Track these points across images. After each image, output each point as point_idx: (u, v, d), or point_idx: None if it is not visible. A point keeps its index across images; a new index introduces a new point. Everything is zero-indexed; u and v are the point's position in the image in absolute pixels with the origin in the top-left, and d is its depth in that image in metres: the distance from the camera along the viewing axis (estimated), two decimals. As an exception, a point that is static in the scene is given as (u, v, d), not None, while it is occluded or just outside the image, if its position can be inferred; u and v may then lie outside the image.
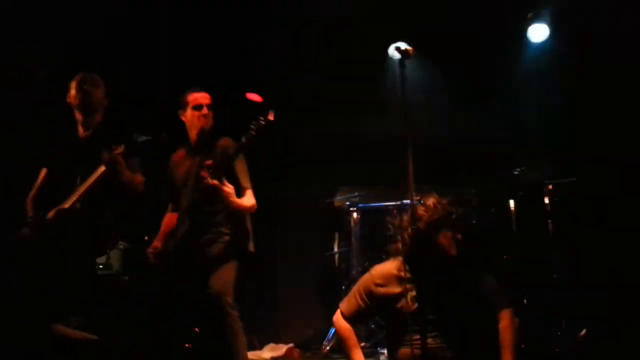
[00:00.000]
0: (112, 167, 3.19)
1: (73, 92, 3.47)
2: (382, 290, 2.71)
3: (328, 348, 4.81)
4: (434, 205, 2.71)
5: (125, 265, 4.35)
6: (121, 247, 4.24)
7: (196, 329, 4.44)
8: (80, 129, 3.51)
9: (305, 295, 5.77)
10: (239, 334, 3.22)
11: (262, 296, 5.47)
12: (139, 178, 3.45)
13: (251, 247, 3.47)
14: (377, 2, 5.53)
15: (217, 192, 3.12)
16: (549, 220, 4.47)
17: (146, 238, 4.16)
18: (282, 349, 4.96)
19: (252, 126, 3.14)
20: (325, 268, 5.66)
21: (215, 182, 3.09)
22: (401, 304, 2.64)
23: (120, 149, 3.21)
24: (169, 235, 3.59)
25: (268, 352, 4.94)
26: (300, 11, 5.64)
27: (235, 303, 3.25)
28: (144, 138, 3.38)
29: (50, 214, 3.26)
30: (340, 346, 2.87)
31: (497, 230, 4.60)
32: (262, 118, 3.13)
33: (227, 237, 3.36)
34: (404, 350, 2.65)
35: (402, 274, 2.65)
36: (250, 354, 3.92)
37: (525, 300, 4.25)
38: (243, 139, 3.16)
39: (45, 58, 4.50)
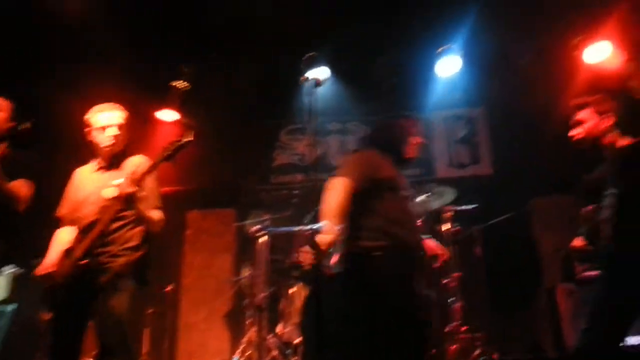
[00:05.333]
0: None
1: None
2: None
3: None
4: None
5: (13, 292, 4.07)
6: (7, 272, 3.97)
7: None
8: None
9: (208, 322, 5.69)
10: None
11: (164, 322, 5.31)
12: (17, 190, 3.21)
13: (147, 274, 3.35)
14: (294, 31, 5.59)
15: (133, 197, 3.03)
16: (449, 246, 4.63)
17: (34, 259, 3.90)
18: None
19: (169, 145, 3.08)
20: (232, 293, 5.59)
21: (135, 189, 3.01)
22: None
23: None
24: (64, 254, 3.38)
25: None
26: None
27: (128, 331, 3.11)
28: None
29: None
30: None
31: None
32: (179, 138, 3.07)
33: (125, 258, 3.23)
34: None
35: None
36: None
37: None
38: (158, 158, 3.08)
39: None
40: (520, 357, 4.45)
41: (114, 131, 3.25)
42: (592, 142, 2.92)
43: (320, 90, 5.42)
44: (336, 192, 2.91)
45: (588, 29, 5.40)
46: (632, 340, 3.44)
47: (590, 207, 2.93)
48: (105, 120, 3.26)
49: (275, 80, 6.15)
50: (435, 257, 3.44)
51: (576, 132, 2.94)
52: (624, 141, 2.87)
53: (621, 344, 2.72)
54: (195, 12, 5.34)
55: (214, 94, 6.15)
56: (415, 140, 3.32)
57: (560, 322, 4.31)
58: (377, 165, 3.15)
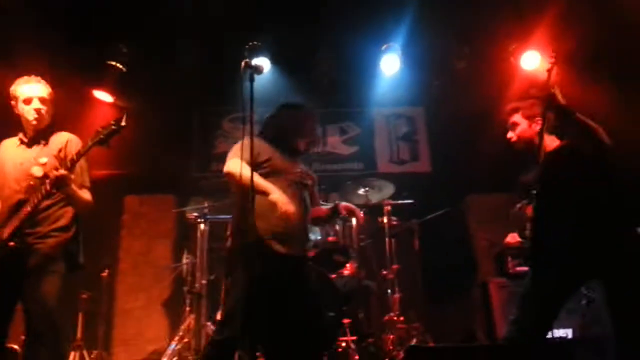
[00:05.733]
0: None
1: None
2: None
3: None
4: None
5: None
6: None
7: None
8: None
9: (146, 309, 5.59)
10: (61, 355, 3.00)
11: (99, 308, 5.15)
12: None
13: (80, 257, 3.24)
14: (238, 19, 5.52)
15: (64, 180, 2.93)
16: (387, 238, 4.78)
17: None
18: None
19: (102, 129, 2.98)
20: (171, 280, 5.50)
21: (64, 172, 2.90)
22: None
23: None
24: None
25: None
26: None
27: (61, 319, 2.99)
28: None
29: None
30: None
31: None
32: (113, 122, 2.98)
33: (54, 239, 3.09)
34: None
35: None
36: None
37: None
38: (90, 142, 2.98)
39: None
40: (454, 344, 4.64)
41: (39, 104, 3.16)
42: (524, 145, 3.09)
43: (263, 81, 5.40)
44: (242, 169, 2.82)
45: (523, 36, 5.68)
46: (558, 332, 3.67)
47: (518, 206, 3.10)
48: (30, 92, 3.17)
49: (219, 66, 6.07)
50: (352, 213, 3.36)
51: (510, 135, 3.12)
52: (551, 145, 3.07)
53: (547, 335, 2.93)
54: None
55: (155, 77, 6.00)
56: (308, 134, 3.27)
57: (493, 313, 4.55)
58: (258, 150, 3.03)
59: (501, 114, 3.20)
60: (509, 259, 4.61)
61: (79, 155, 2.99)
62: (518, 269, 4.48)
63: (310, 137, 3.31)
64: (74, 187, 3.03)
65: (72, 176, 3.00)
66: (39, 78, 3.23)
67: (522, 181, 3.21)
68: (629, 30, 5.22)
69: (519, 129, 3.09)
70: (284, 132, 3.22)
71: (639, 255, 2.82)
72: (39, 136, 3.20)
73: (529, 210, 2.92)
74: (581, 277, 2.97)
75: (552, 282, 2.85)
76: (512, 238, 3.41)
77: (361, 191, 5.10)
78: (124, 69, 5.71)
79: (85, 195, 3.16)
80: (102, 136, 2.95)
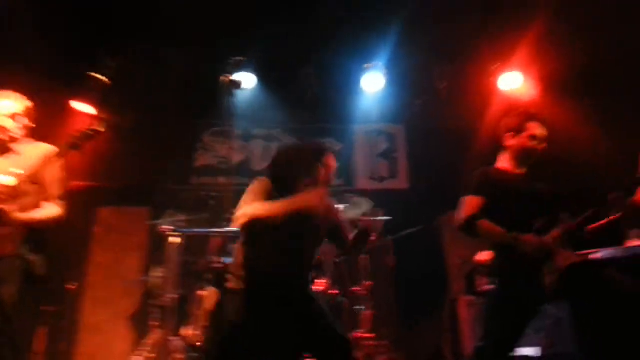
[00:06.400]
0: None
1: None
2: None
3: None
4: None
5: None
6: None
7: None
8: None
9: (113, 323, 5.48)
10: None
11: (62, 322, 5.04)
12: None
13: (43, 269, 3.18)
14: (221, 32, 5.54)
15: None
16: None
17: None
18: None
19: (76, 133, 2.96)
20: (141, 294, 5.40)
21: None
22: None
23: None
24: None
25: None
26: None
27: (18, 331, 2.93)
28: None
29: None
30: None
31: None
32: (90, 128, 2.96)
33: (14, 243, 3.05)
34: None
35: None
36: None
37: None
38: (64, 146, 2.97)
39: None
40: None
41: (2, 122, 3.12)
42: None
43: (247, 96, 5.38)
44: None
45: (504, 57, 5.73)
46: (524, 351, 3.63)
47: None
48: None
49: (201, 79, 6.08)
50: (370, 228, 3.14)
51: (545, 145, 3.06)
52: None
53: (512, 354, 2.88)
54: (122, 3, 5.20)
55: (136, 88, 5.99)
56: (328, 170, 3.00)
57: (461, 331, 4.50)
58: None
59: (538, 120, 3.09)
60: (478, 277, 4.57)
61: (44, 164, 2.97)
62: (485, 287, 4.44)
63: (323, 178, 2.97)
64: (19, 216, 2.97)
65: (14, 215, 2.94)
66: (8, 93, 3.20)
67: (484, 176, 3.10)
68: (611, 52, 5.29)
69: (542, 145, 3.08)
70: (290, 170, 2.92)
71: (602, 275, 2.82)
72: (12, 147, 3.17)
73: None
74: (544, 297, 2.95)
75: (517, 300, 2.83)
76: (483, 256, 3.35)
77: (339, 207, 5.05)
78: (108, 82, 5.69)
79: (52, 209, 3.12)
80: (75, 141, 2.95)
